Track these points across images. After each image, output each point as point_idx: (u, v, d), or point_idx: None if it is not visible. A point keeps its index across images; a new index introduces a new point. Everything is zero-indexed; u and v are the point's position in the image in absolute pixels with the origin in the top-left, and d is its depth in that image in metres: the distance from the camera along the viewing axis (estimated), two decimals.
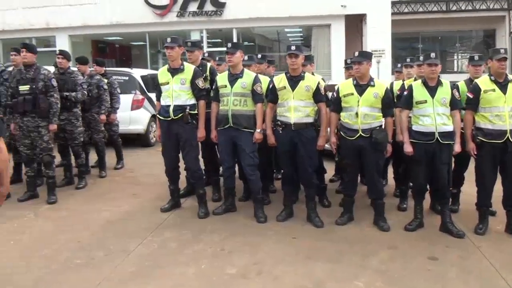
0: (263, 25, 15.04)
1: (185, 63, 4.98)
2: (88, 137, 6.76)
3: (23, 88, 5.29)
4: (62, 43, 15.36)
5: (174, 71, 4.87)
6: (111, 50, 19.18)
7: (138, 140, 9.40)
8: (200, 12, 14.69)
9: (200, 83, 4.89)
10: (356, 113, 4.40)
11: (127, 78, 9.46)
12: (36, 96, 5.27)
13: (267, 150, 5.08)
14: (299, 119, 4.53)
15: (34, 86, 5.27)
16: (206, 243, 4.17)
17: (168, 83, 4.88)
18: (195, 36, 15.04)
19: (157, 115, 5.07)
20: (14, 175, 6.09)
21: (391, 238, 4.28)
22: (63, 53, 6.10)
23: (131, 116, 9.08)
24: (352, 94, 4.46)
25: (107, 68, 7.70)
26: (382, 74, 13.21)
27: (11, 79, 5.43)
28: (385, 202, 4.63)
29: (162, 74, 4.97)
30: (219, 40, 16.71)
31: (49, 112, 5.39)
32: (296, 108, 4.52)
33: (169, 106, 4.83)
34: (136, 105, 9.25)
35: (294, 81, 4.57)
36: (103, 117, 6.77)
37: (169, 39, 4.87)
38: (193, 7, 14.72)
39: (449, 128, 4.30)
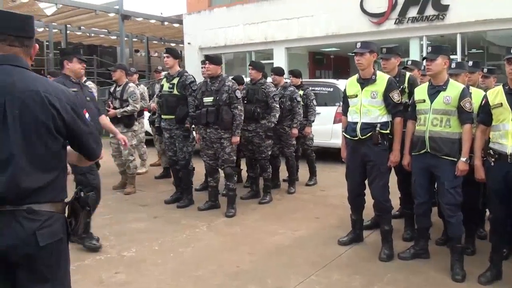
0: (494, 29, 12.81)
1: (378, 72, 4.20)
2: (279, 150, 6.50)
3: (207, 100, 5.28)
4: (280, 56, 15.91)
5: (364, 82, 4.13)
6: (328, 61, 19.18)
7: (339, 155, 8.80)
8: (420, 18, 13.33)
9: (396, 96, 4.04)
10: None
11: (331, 89, 9.00)
12: (219, 107, 5.19)
13: (474, 185, 3.87)
14: None
15: (217, 98, 5.20)
16: None
17: (356, 96, 4.17)
18: (414, 45, 13.79)
19: (343, 133, 4.40)
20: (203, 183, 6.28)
21: None
22: (253, 64, 5.95)
23: (333, 130, 8.56)
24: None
25: (311, 80, 7.38)
26: None
27: (197, 91, 5.49)
28: None
29: (351, 85, 4.28)
30: None
31: (232, 124, 5.25)
32: None
33: (356, 123, 4.11)
34: (339, 118, 8.70)
35: None
36: (294, 131, 6.40)
37: (358, 44, 4.16)
38: (413, 12, 13.47)
39: None
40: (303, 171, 7.11)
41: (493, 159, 3.41)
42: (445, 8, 12.87)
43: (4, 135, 1.74)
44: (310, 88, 7.12)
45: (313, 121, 6.81)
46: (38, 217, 1.78)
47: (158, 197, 6.25)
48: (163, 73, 7.34)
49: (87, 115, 1.98)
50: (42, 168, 1.79)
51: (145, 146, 7.99)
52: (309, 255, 4.12)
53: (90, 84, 7.17)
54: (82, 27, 20.07)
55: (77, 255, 4.07)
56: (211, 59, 5.40)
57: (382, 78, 4.09)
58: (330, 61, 19.30)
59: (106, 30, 21.06)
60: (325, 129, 8.31)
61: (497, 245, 3.57)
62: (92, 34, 22.18)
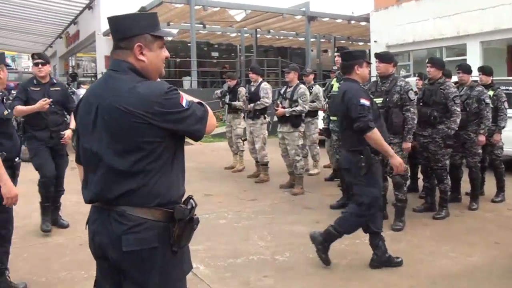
0: None
1: None
2: (461, 159, 5.71)
3: (377, 101, 4.86)
4: (474, 51, 14.21)
5: None
6: None
7: None
8: None
9: None
10: None
11: None
12: (389, 109, 4.74)
13: None
14: None
15: (387, 99, 4.75)
16: None
17: None
18: None
19: None
20: None
21: None
22: (432, 61, 5.27)
23: None
24: None
25: (507, 78, 6.34)
26: None
27: (367, 91, 5.10)
28: None
29: None
30: None
31: (403, 128, 4.76)
32: None
33: None
34: None
35: None
36: (481, 138, 5.53)
37: None
38: None
39: None
40: (489, 185, 6.12)
41: None
42: None
43: (95, 139, 1.79)
44: (502, 88, 6.09)
45: (503, 127, 5.80)
46: (126, 221, 1.74)
47: (324, 200, 6.07)
48: (337, 73, 7.14)
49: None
50: (129, 172, 1.74)
51: (318, 147, 7.90)
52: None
53: (265, 84, 7.41)
54: (271, 31, 21.09)
55: (231, 252, 4.16)
56: (382, 57, 4.97)
57: None
58: None
59: (294, 32, 21.77)
60: None
61: None
62: (281, 37, 23.18)
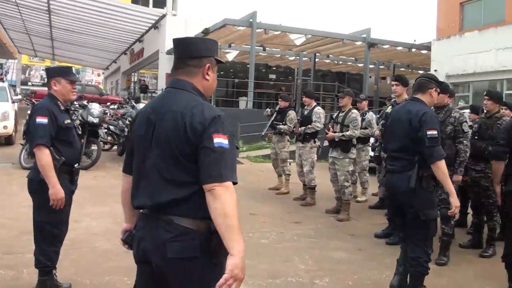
0: None
1: None
2: None
3: None
4: None
5: None
6: None
7: None
8: None
9: None
10: None
11: None
12: (442, 141, 4.64)
13: None
14: None
15: (441, 129, 4.66)
16: None
17: None
18: None
19: None
20: None
21: None
22: (490, 95, 5.13)
23: None
24: None
25: None
26: None
27: None
28: None
29: None
30: None
31: (455, 161, 4.65)
32: None
33: None
34: None
35: None
36: None
37: None
38: None
39: None
40: None
41: None
42: None
43: (150, 151, 1.95)
44: None
45: None
46: (172, 229, 1.85)
47: (370, 228, 5.97)
48: (392, 100, 7.07)
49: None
50: (176, 183, 1.86)
51: (367, 174, 7.80)
52: None
53: (318, 109, 7.45)
54: (330, 55, 21.14)
55: (270, 272, 4.19)
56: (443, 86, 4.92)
57: None
58: None
59: (354, 58, 21.70)
60: None
61: None
62: (340, 62, 23.15)
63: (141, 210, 1.99)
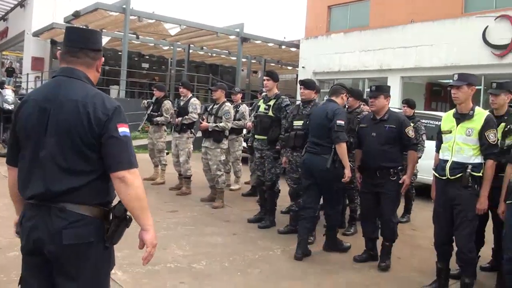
0: None
1: (477, 108, 3.86)
2: None
3: (297, 123, 5.27)
4: (394, 85, 15.35)
5: (460, 117, 3.84)
6: (445, 92, 18.12)
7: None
8: None
9: (492, 136, 3.70)
10: None
11: (439, 123, 8.41)
12: (308, 132, 5.12)
13: None
14: None
15: (307, 122, 5.14)
16: None
17: (450, 131, 3.89)
18: None
19: (433, 171, 4.10)
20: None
21: None
22: (350, 92, 5.76)
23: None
24: None
25: (420, 111, 7.02)
26: None
27: (289, 114, 5.49)
28: None
29: (446, 120, 4.03)
30: None
31: None
32: None
33: (446, 161, 3.83)
34: None
35: None
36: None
37: (456, 76, 3.88)
38: None
39: None
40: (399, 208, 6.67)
41: None
42: None
43: (44, 140, 1.93)
44: (421, 121, 6.79)
45: (419, 157, 6.37)
46: (67, 217, 1.89)
47: (243, 214, 6.31)
48: (263, 94, 7.47)
49: None
50: (73, 172, 1.90)
51: (240, 164, 8.16)
52: None
53: (195, 100, 7.58)
54: (204, 47, 21.35)
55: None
56: (306, 84, 5.40)
57: (480, 115, 3.77)
58: (447, 93, 18.19)
59: (227, 51, 22.18)
60: (430, 164, 7.76)
61: None
62: (214, 54, 23.49)
63: (29, 200, 1.96)
